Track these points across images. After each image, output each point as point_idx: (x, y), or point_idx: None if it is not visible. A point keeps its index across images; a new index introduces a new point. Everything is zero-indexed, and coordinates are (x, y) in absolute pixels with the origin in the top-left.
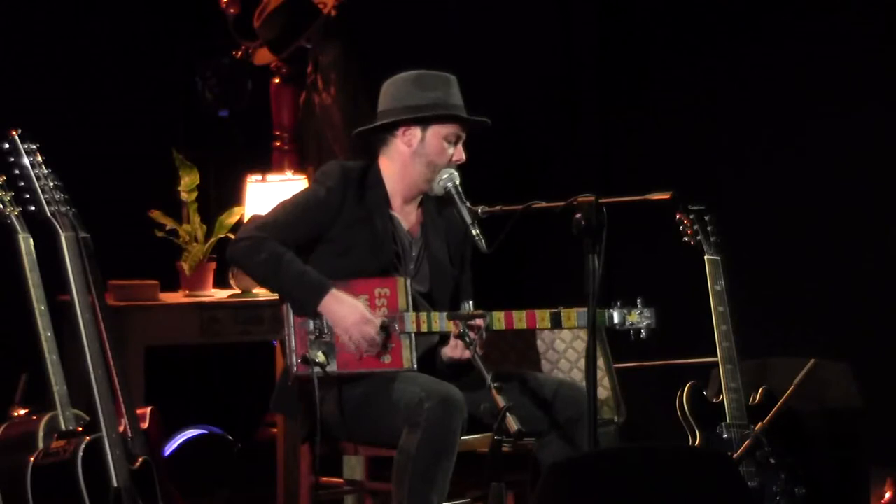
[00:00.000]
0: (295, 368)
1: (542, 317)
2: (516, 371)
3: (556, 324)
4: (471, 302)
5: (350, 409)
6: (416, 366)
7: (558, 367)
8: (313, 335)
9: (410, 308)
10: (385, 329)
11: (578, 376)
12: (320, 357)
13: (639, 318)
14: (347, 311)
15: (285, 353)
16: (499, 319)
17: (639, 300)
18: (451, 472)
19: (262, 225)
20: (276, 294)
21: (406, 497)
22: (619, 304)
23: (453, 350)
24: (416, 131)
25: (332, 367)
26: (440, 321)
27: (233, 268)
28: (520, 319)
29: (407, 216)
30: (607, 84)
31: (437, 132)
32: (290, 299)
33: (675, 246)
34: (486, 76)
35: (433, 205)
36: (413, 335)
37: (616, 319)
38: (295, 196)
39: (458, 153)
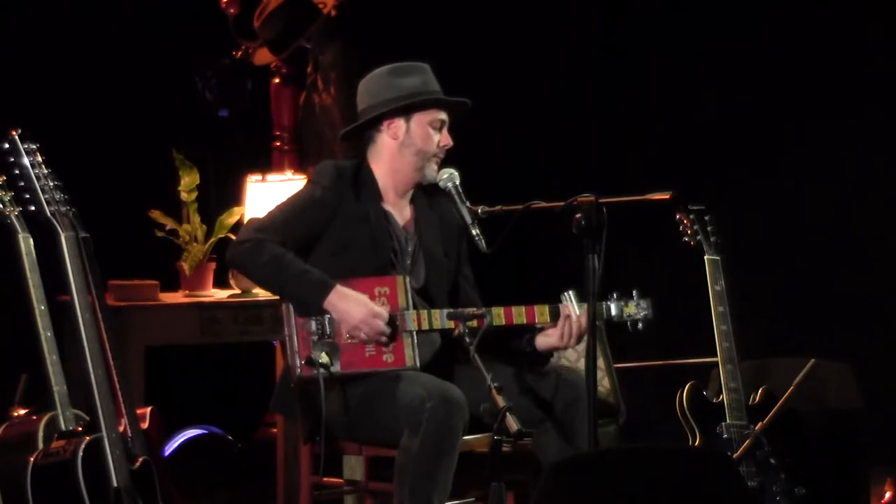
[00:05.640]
0: (299, 370)
1: (542, 311)
2: (511, 365)
3: (555, 317)
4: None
5: (351, 408)
6: (419, 364)
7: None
8: (315, 336)
9: (411, 306)
10: (393, 320)
11: None
12: (324, 358)
13: (636, 310)
14: (353, 307)
15: (286, 354)
16: (498, 315)
17: (634, 292)
18: (452, 472)
19: (260, 227)
20: (278, 296)
21: (407, 497)
22: (615, 296)
23: (548, 338)
24: (400, 123)
25: (336, 368)
26: (441, 319)
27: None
28: (519, 314)
29: (401, 211)
30: (607, 84)
31: (420, 120)
32: (293, 300)
33: (675, 246)
34: (486, 76)
35: (424, 200)
36: (415, 333)
37: (613, 311)
38: (291, 197)
39: (445, 138)
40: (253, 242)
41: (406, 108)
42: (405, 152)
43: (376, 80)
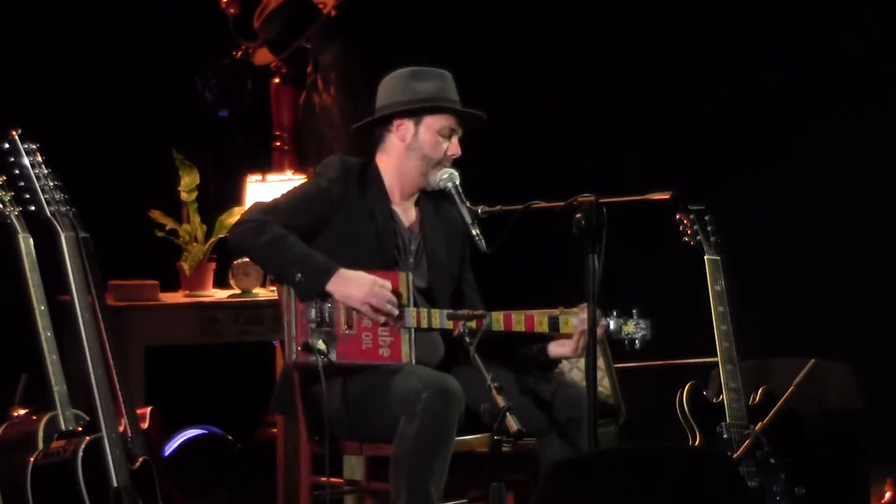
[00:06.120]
0: (294, 356)
1: (541, 321)
2: (516, 371)
3: (554, 328)
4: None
5: (350, 403)
6: (414, 361)
7: (558, 366)
8: (314, 323)
9: (411, 303)
10: (398, 294)
11: (578, 376)
12: (321, 345)
13: (634, 329)
14: (355, 286)
15: (285, 350)
16: (497, 320)
17: (635, 311)
18: (448, 462)
19: (264, 209)
20: (278, 277)
21: (404, 487)
22: (615, 313)
23: (561, 347)
24: (409, 125)
25: (332, 356)
26: (441, 319)
27: (233, 267)
28: (518, 322)
29: (406, 211)
30: (607, 84)
31: (430, 126)
32: (293, 281)
33: (675, 246)
34: (486, 76)
35: (430, 203)
36: (412, 330)
37: (612, 328)
38: (297, 187)
39: (454, 147)
40: (257, 222)
41: (416, 112)
42: (411, 155)
43: (395, 80)
